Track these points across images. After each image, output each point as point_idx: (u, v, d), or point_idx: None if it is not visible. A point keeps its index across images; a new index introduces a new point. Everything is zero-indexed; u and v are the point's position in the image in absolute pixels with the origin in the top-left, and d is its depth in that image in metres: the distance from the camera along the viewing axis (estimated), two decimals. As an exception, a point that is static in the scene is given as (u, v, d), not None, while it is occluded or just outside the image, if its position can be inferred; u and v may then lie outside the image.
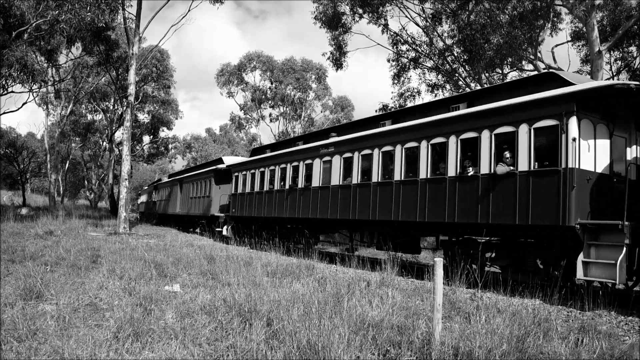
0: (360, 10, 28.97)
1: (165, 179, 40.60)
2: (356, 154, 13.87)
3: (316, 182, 15.58)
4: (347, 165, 14.31)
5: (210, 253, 11.94)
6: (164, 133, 58.48)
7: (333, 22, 29.67)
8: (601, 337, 5.49)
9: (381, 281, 8.85)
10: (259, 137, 60.17)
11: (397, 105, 31.16)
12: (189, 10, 28.37)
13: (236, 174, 22.10)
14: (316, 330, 4.75)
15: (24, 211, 30.30)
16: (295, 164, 17.06)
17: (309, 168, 16.13)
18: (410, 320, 5.72)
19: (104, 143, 55.19)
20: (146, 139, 58.93)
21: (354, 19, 29.76)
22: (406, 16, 28.91)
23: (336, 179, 14.64)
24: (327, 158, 15.18)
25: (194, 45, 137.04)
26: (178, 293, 7.40)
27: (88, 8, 22.77)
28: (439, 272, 5.01)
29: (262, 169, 19.57)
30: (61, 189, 54.23)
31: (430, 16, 28.16)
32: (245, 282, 7.78)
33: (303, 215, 16.09)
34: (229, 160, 25.67)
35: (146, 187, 53.68)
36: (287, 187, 17.27)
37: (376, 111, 32.23)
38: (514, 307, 6.79)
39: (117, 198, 32.37)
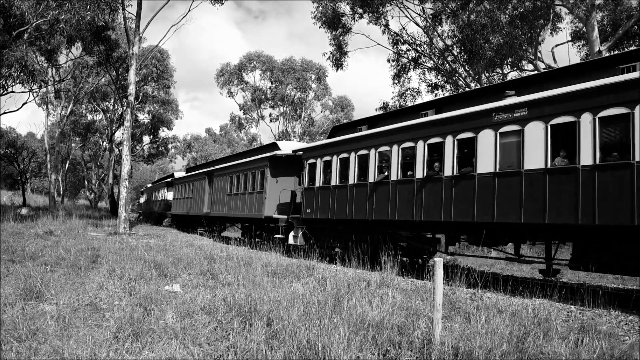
0: (360, 10, 29.01)
1: (181, 174, 35.47)
2: (586, 117, 8.46)
3: (486, 166, 10.16)
4: (561, 136, 8.98)
5: (210, 253, 11.94)
6: (164, 133, 58.60)
7: (333, 22, 29.71)
8: (601, 337, 5.49)
9: (381, 281, 8.85)
10: (259, 137, 60.26)
11: (397, 105, 31.18)
12: (189, 10, 28.44)
13: (311, 160, 16.11)
14: (316, 330, 4.75)
15: (24, 211, 30.31)
16: (434, 140, 11.45)
17: (467, 145, 10.73)
18: (410, 320, 5.72)
19: (104, 143, 55.25)
20: (146, 139, 59.04)
21: (354, 19, 29.81)
22: (406, 16, 28.99)
23: (537, 159, 9.18)
24: (509, 128, 9.78)
25: (194, 45, 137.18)
26: (178, 293, 7.40)
27: (88, 7, 22.79)
28: (439, 272, 5.01)
29: (362, 152, 13.63)
30: (61, 189, 54.25)
31: (430, 16, 28.19)
32: (246, 282, 7.79)
33: (457, 217, 10.68)
34: (289, 145, 19.83)
35: (150, 185, 50.06)
36: (419, 176, 11.71)
37: (376, 110, 32.27)
38: (514, 307, 6.79)
39: (117, 198, 32.37)
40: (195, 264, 10.26)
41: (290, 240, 16.69)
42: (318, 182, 15.68)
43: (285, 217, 17.67)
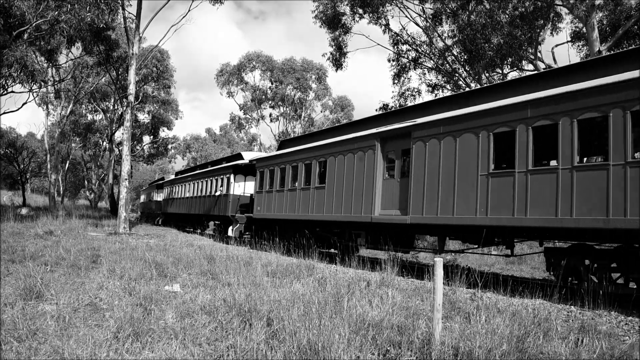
0: (361, 11, 29.00)
1: (256, 154, 23.28)
2: None
3: None
4: None
5: (210, 253, 11.93)
6: (164, 133, 58.59)
7: (333, 22, 29.71)
8: (601, 337, 5.49)
9: (381, 281, 8.84)
10: (259, 137, 60.27)
11: (397, 105, 31.14)
12: (189, 11, 28.45)
13: None
14: (316, 330, 4.75)
15: (24, 211, 30.30)
16: None
17: None
18: (410, 320, 5.72)
19: (104, 143, 55.25)
20: (146, 139, 59.05)
21: (354, 19, 29.80)
22: (406, 16, 28.97)
23: None
24: None
25: (195, 46, 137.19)
26: (178, 293, 7.40)
27: (88, 8, 22.77)
28: (439, 272, 5.00)
29: None
30: (61, 189, 54.27)
31: (431, 16, 28.19)
32: (245, 282, 7.78)
33: None
34: None
35: (171, 178, 39.09)
36: None
37: (376, 110, 32.24)
38: (514, 307, 6.79)
39: (117, 198, 32.36)
40: (195, 264, 10.25)
41: None
42: None
43: None
